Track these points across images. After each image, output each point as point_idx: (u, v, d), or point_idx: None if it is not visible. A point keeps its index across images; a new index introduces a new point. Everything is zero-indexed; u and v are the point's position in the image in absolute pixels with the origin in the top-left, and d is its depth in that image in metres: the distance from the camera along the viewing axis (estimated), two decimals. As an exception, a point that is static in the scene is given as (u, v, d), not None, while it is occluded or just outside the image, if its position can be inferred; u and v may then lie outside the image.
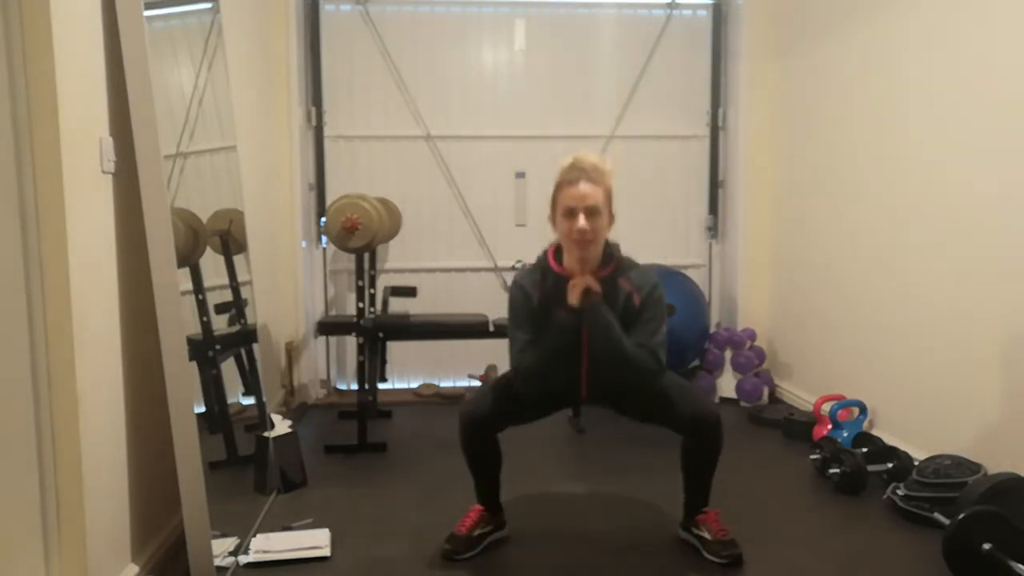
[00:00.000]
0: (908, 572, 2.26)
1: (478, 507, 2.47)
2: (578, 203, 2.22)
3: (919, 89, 3.04)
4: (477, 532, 2.42)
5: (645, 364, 2.26)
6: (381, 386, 4.18)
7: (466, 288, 4.54)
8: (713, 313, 4.64)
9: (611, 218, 2.31)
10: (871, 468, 2.88)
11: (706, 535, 2.37)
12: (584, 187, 2.22)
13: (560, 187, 2.28)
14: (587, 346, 2.31)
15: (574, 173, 2.25)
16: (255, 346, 3.01)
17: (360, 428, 3.40)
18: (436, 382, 4.52)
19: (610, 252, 2.35)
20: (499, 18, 4.45)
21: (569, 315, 2.26)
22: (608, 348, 2.25)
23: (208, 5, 2.84)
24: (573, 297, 2.25)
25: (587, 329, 2.27)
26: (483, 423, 2.36)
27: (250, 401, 2.95)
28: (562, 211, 2.26)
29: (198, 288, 2.49)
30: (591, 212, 2.22)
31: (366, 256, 3.64)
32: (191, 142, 2.54)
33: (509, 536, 2.52)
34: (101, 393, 1.95)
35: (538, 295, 2.34)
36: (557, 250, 2.37)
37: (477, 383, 4.43)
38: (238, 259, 2.91)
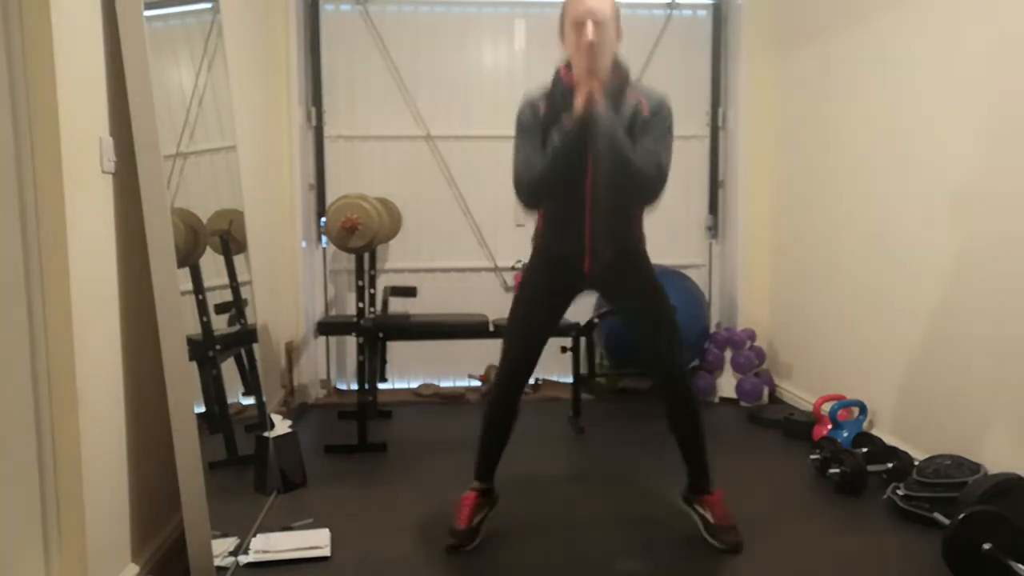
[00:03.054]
0: (908, 572, 2.26)
1: (471, 493, 2.51)
2: (585, 15, 2.23)
3: (920, 89, 3.04)
4: (476, 520, 2.47)
5: (648, 172, 2.26)
6: (381, 386, 4.19)
7: (466, 288, 4.54)
8: (713, 313, 4.64)
9: (619, 32, 2.31)
10: (871, 468, 2.88)
11: (709, 517, 2.45)
12: (591, 1, 2.23)
13: (567, 4, 2.30)
14: (591, 185, 2.30)
15: None
16: (255, 346, 3.00)
17: (360, 428, 3.40)
18: (436, 382, 4.52)
19: (620, 64, 2.36)
20: (499, 18, 4.45)
21: (574, 123, 2.25)
22: (612, 156, 2.24)
23: (208, 5, 2.84)
24: (579, 103, 2.24)
25: (592, 142, 2.26)
26: (522, 372, 2.45)
27: (250, 401, 2.95)
28: (570, 23, 2.27)
29: (198, 288, 2.49)
30: (599, 24, 2.23)
31: (366, 256, 3.64)
32: (191, 142, 2.54)
33: (510, 529, 2.54)
34: (101, 393, 1.95)
35: (545, 106, 2.35)
36: (569, 66, 2.37)
37: (477, 383, 4.43)
38: (238, 259, 2.91)
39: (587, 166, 2.30)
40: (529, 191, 2.33)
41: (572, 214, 2.36)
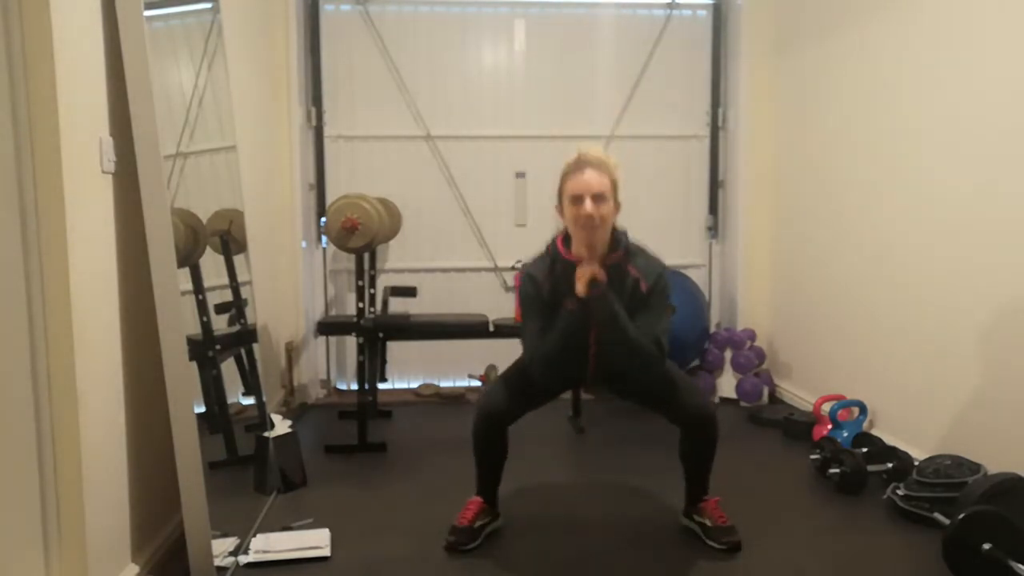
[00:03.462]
0: (908, 572, 2.26)
1: (477, 499, 2.52)
2: (584, 190, 2.26)
3: (919, 89, 3.04)
4: (478, 523, 2.47)
5: (648, 351, 2.32)
6: (381, 386, 4.18)
7: (466, 288, 4.54)
8: (713, 313, 4.64)
9: (617, 206, 2.34)
10: (871, 468, 2.88)
11: (707, 521, 2.46)
12: (590, 174, 2.27)
13: (566, 177, 2.33)
14: (595, 331, 2.34)
15: (580, 164, 2.29)
16: (255, 346, 3.00)
17: (360, 428, 3.40)
18: (436, 382, 4.52)
19: (618, 238, 2.38)
20: (499, 18, 4.45)
21: (577, 305, 2.30)
22: (614, 335, 2.30)
23: (208, 5, 2.84)
24: (580, 287, 2.27)
25: (594, 317, 2.31)
26: (500, 416, 2.45)
27: (250, 401, 2.95)
28: (569, 198, 2.30)
29: (198, 288, 2.49)
30: (597, 198, 2.26)
31: (366, 256, 3.64)
32: (191, 142, 2.54)
33: (510, 530, 2.54)
34: (101, 393, 1.95)
35: (548, 284, 2.38)
36: (566, 238, 2.40)
37: (477, 383, 4.43)
38: (238, 259, 2.91)
39: (590, 340, 2.36)
40: (542, 366, 2.39)
41: (579, 354, 2.41)
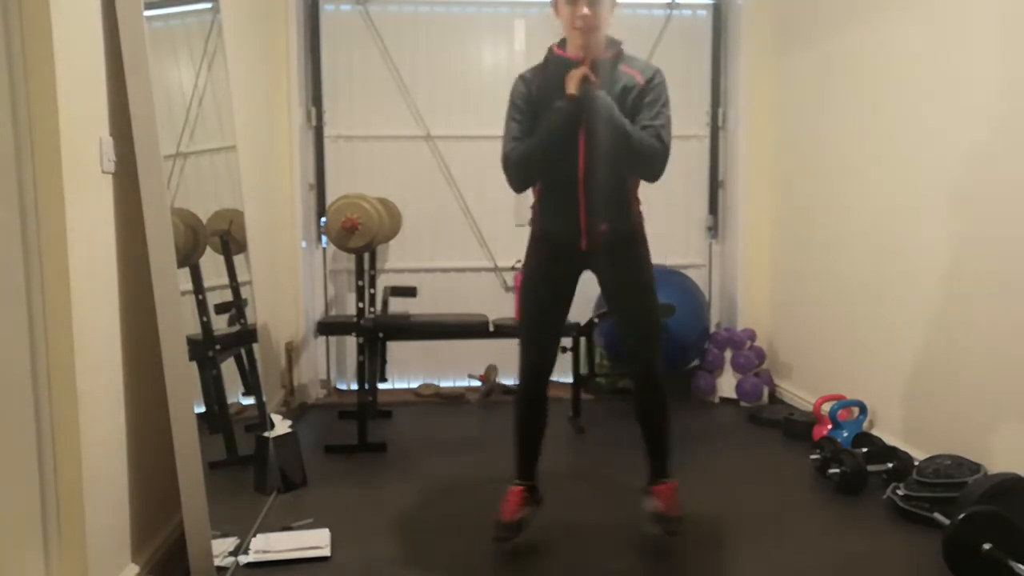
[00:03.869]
0: (908, 572, 2.26)
1: (518, 488, 2.48)
2: None
3: (920, 89, 3.04)
4: (521, 515, 2.44)
5: (649, 143, 2.25)
6: (381, 386, 4.18)
7: (466, 288, 4.54)
8: (713, 313, 4.64)
9: (612, 2, 2.30)
10: (871, 468, 2.88)
11: (658, 504, 2.45)
12: None
13: None
14: (584, 162, 2.28)
15: None
16: (255, 346, 3.00)
17: (360, 428, 3.40)
18: (436, 382, 4.52)
19: (613, 42, 2.36)
20: (499, 18, 4.45)
21: (568, 103, 2.24)
22: (610, 129, 2.23)
23: (208, 5, 2.84)
24: (572, 86, 2.23)
25: (586, 120, 2.24)
26: (541, 363, 2.44)
27: (250, 401, 2.95)
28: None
29: (198, 288, 2.49)
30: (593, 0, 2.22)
31: (366, 256, 3.64)
32: (191, 142, 2.54)
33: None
34: (101, 393, 1.95)
35: (538, 82, 2.34)
36: (561, 43, 2.37)
37: (477, 383, 4.43)
38: (238, 259, 2.91)
39: (579, 145, 2.28)
40: (517, 168, 2.33)
41: (566, 194, 2.34)
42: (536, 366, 2.46)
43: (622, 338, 2.49)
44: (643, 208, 2.47)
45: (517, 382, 2.49)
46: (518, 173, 2.34)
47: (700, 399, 4.25)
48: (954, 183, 2.84)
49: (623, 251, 2.41)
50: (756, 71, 4.36)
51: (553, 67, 2.33)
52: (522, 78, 2.37)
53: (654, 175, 2.32)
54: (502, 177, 2.40)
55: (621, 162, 2.28)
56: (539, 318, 2.46)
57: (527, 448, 2.52)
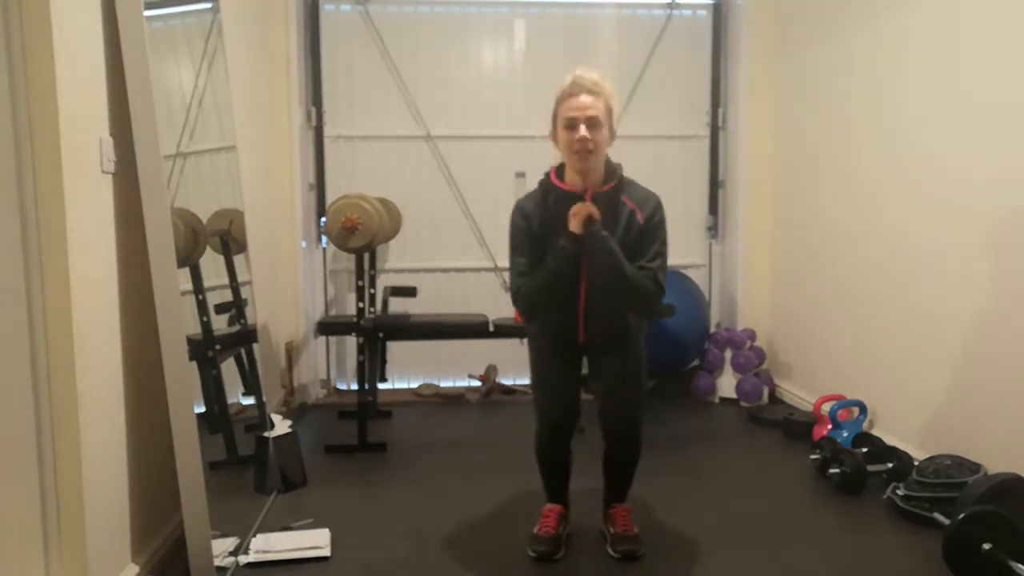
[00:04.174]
0: (908, 572, 2.26)
1: (556, 507, 2.50)
2: (579, 113, 2.20)
3: (920, 88, 3.04)
4: (561, 531, 2.46)
5: (645, 286, 2.26)
6: (381, 386, 4.18)
7: (466, 288, 4.54)
8: (713, 313, 4.64)
9: (612, 133, 2.29)
10: (871, 468, 2.88)
11: (612, 529, 2.45)
12: (585, 99, 2.21)
13: (561, 100, 2.27)
14: (585, 283, 2.29)
15: (575, 87, 2.23)
16: (255, 346, 3.01)
17: (360, 428, 3.40)
18: (436, 382, 4.52)
19: (612, 169, 2.34)
20: (499, 18, 4.45)
21: (570, 242, 2.24)
22: (609, 271, 2.23)
23: (208, 5, 2.84)
24: (575, 224, 2.23)
25: (588, 254, 2.25)
26: (564, 420, 2.42)
27: (250, 401, 2.95)
28: (563, 123, 2.25)
29: (198, 288, 2.49)
30: (592, 123, 2.21)
31: (366, 256, 3.64)
32: (191, 142, 2.54)
33: (509, 530, 2.54)
34: (101, 393, 1.95)
35: (539, 216, 2.32)
36: (559, 169, 2.36)
37: (477, 383, 4.43)
38: (238, 259, 2.91)
39: (580, 273, 2.29)
40: (526, 305, 2.35)
41: (567, 306, 2.34)
42: (563, 424, 2.42)
43: (602, 393, 2.45)
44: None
45: (537, 438, 2.46)
46: (527, 309, 2.37)
47: (700, 399, 4.25)
48: (953, 182, 2.84)
49: (617, 340, 2.40)
50: (756, 71, 4.36)
51: (554, 201, 2.31)
52: (521, 212, 2.35)
53: (648, 313, 2.38)
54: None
55: (617, 298, 2.31)
56: (556, 383, 2.43)
57: (556, 485, 2.53)
